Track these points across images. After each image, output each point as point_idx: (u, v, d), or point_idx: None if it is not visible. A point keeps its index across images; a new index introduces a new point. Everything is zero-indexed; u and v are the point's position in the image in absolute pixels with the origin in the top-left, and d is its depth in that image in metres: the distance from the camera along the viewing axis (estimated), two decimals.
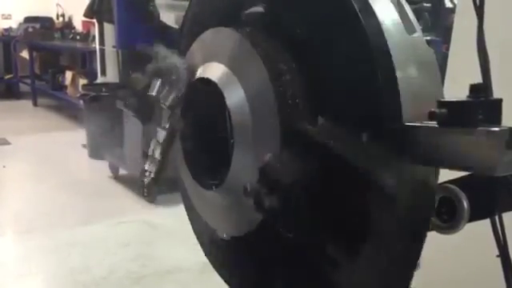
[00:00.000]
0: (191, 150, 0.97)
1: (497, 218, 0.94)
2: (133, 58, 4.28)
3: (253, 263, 0.92)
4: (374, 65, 0.69)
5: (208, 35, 0.94)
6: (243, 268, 0.96)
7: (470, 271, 1.67)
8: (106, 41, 5.70)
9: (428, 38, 4.17)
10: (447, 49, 1.99)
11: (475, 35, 0.92)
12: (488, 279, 1.14)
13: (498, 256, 0.98)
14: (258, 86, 0.80)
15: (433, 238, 0.81)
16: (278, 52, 0.79)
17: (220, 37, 0.90)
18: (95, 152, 5.28)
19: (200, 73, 0.93)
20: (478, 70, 0.92)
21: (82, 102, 5.58)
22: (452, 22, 1.91)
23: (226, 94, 0.84)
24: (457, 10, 1.93)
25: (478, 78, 0.87)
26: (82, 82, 6.99)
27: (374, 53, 0.69)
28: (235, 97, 0.83)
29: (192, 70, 0.94)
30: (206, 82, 0.90)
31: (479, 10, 0.94)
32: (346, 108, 0.74)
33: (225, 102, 0.85)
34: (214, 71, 0.89)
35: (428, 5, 4.73)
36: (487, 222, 0.93)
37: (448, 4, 4.90)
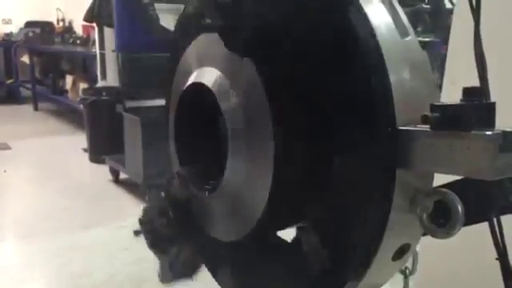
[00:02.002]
0: (186, 154, 0.97)
1: (495, 221, 0.93)
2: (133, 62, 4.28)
3: (247, 266, 0.91)
4: (367, 68, 0.68)
5: (202, 40, 0.94)
6: (238, 271, 0.96)
7: (468, 273, 1.66)
8: (106, 45, 5.72)
9: (427, 39, 4.17)
10: (447, 50, 1.98)
11: (473, 37, 0.92)
12: (486, 281, 1.14)
13: (497, 259, 0.97)
14: (251, 91, 0.80)
15: (431, 240, 0.80)
16: (271, 57, 0.79)
17: (214, 41, 0.90)
18: (96, 156, 5.29)
19: (194, 78, 0.92)
20: (476, 71, 0.92)
21: (82, 106, 5.59)
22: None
23: (219, 99, 0.84)
24: (454, 11, 1.92)
25: (476, 80, 0.87)
26: (83, 86, 7.00)
27: (366, 56, 0.68)
28: (229, 102, 0.83)
29: (186, 75, 0.94)
30: (201, 87, 0.89)
31: (476, 13, 0.94)
32: (339, 111, 0.73)
33: (219, 107, 0.84)
34: (208, 76, 0.89)
35: (427, 6, 4.73)
36: (487, 223, 0.93)
37: (448, 5, 4.90)
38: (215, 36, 0.87)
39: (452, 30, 1.85)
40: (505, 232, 0.94)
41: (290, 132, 0.76)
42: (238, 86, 0.82)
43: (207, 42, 0.91)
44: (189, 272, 0.90)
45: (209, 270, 1.07)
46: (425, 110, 0.66)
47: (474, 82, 0.82)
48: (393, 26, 0.72)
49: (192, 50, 0.96)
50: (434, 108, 0.65)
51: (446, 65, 1.86)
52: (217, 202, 0.89)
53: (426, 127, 0.66)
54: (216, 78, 0.87)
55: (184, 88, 0.95)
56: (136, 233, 1.02)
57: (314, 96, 0.76)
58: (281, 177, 0.77)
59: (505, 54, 1.48)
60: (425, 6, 4.69)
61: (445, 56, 1.95)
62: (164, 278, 0.90)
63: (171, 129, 1.01)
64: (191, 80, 0.93)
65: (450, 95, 0.72)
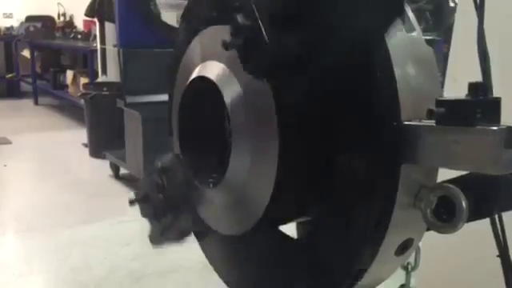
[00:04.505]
0: (190, 148, 0.97)
1: (497, 217, 0.93)
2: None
3: (251, 262, 0.92)
4: (373, 63, 0.68)
5: (207, 33, 0.94)
6: (241, 267, 0.96)
7: (471, 269, 1.67)
8: (107, 40, 5.71)
9: (429, 37, 4.17)
10: (448, 48, 1.98)
11: (476, 34, 0.92)
12: (488, 277, 1.14)
13: (498, 256, 0.98)
14: (256, 84, 0.80)
15: (434, 235, 0.80)
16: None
17: (219, 35, 0.90)
18: (96, 151, 5.29)
19: (199, 71, 0.92)
20: (479, 69, 0.92)
21: (82, 101, 5.59)
22: (453, 22, 1.91)
23: (224, 93, 0.84)
24: (457, 9, 1.93)
25: (478, 78, 0.87)
26: (83, 81, 7.00)
27: (372, 52, 0.68)
28: (233, 95, 0.83)
29: (190, 68, 0.94)
30: (205, 80, 0.89)
31: (479, 10, 0.94)
32: (344, 107, 0.73)
33: (223, 101, 0.84)
34: (212, 69, 0.89)
35: (429, 4, 4.73)
36: (488, 221, 0.93)
37: (450, 4, 4.91)
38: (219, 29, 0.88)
39: (455, 28, 1.85)
40: (506, 229, 0.95)
41: (294, 126, 0.76)
42: (242, 79, 0.82)
43: (212, 35, 0.92)
44: (178, 238, 0.95)
45: (210, 263, 1.07)
46: (430, 105, 0.66)
47: (476, 79, 0.82)
48: (399, 22, 0.72)
49: (196, 44, 0.96)
50: (439, 103, 0.65)
51: (448, 63, 1.86)
52: (220, 196, 0.89)
53: (431, 122, 0.66)
54: (220, 72, 0.87)
55: (188, 82, 0.95)
56: (131, 202, 1.06)
57: (319, 90, 0.76)
58: (285, 171, 0.78)
59: (506, 52, 1.48)
60: (427, 4, 4.69)
61: (446, 55, 1.96)
62: (154, 241, 0.93)
63: (174, 124, 1.01)
64: (195, 74, 0.93)
65: (452, 92, 0.72)
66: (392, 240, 0.74)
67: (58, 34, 9.03)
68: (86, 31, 8.33)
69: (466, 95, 0.65)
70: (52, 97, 8.52)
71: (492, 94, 0.81)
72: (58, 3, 9.28)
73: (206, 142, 0.95)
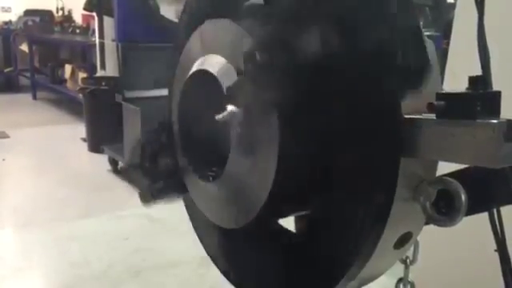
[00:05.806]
0: (189, 142, 0.97)
1: (495, 212, 0.94)
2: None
3: (251, 255, 0.92)
4: (374, 57, 0.68)
5: (207, 27, 0.94)
6: (241, 260, 0.97)
7: (469, 263, 1.67)
8: (106, 34, 5.70)
9: (428, 33, 4.17)
10: (447, 44, 1.99)
11: (475, 30, 0.92)
12: (487, 271, 1.15)
13: (496, 251, 0.98)
14: (256, 78, 0.79)
15: (431, 232, 0.81)
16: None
17: (219, 28, 0.90)
18: (95, 145, 5.29)
19: (199, 65, 0.92)
20: (478, 65, 0.92)
21: (81, 95, 5.58)
22: (453, 18, 1.91)
23: (224, 87, 0.84)
24: (457, 4, 1.93)
25: (478, 73, 0.87)
26: (82, 75, 6.99)
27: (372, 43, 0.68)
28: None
29: (191, 62, 0.94)
30: (205, 74, 0.89)
31: (480, 5, 0.94)
32: (343, 99, 0.74)
33: (223, 95, 0.84)
34: (212, 63, 0.89)
35: (429, 0, 4.73)
36: (487, 215, 0.93)
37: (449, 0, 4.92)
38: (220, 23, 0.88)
39: (454, 23, 1.86)
40: (504, 223, 0.95)
41: (294, 119, 0.76)
42: (242, 73, 0.82)
43: (212, 28, 0.91)
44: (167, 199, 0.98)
45: (209, 256, 1.08)
46: (430, 99, 0.66)
47: (476, 74, 0.83)
48: None
49: (196, 37, 0.96)
50: (439, 96, 0.65)
51: (447, 58, 1.87)
52: (219, 190, 0.89)
53: (432, 116, 0.66)
54: (220, 65, 0.87)
55: (188, 75, 0.95)
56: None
57: (318, 83, 0.76)
58: (285, 164, 0.78)
59: (506, 47, 1.48)
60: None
61: (445, 51, 1.96)
62: (144, 198, 0.94)
63: (175, 117, 1.01)
64: (195, 67, 0.93)
65: (452, 88, 0.72)
66: (391, 233, 0.74)
67: (56, 29, 9.01)
68: (84, 25, 8.32)
69: (467, 88, 0.65)
70: (50, 91, 8.51)
71: (491, 88, 0.82)
72: None
73: (206, 136, 0.95)
